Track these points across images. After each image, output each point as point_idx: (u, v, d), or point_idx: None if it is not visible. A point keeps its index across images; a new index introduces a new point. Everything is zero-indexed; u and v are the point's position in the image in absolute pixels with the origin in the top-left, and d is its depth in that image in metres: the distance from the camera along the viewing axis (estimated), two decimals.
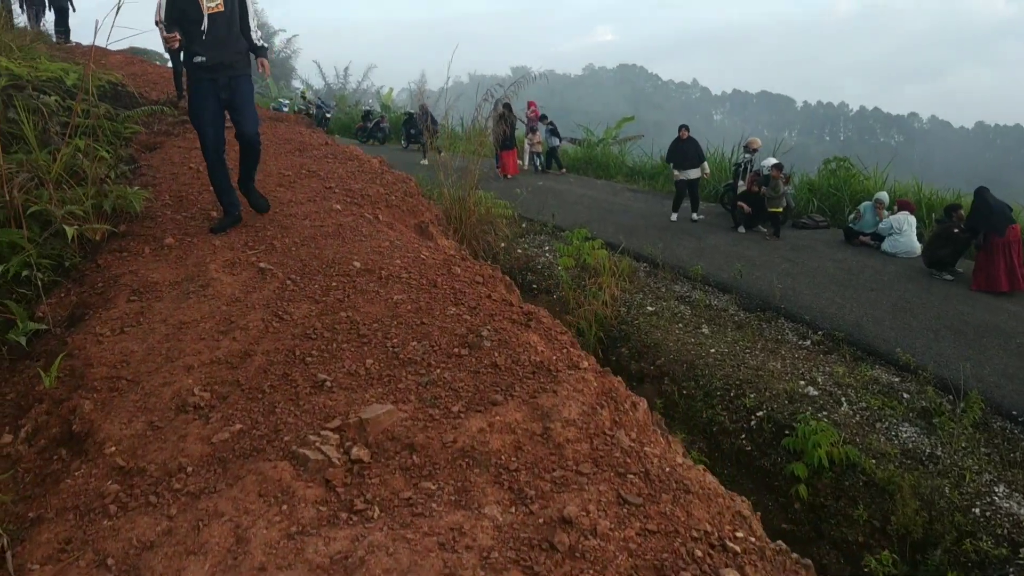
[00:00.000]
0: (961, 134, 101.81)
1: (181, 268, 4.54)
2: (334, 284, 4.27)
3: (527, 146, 16.40)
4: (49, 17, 15.22)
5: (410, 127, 19.97)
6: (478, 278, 4.69)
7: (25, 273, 4.29)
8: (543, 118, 16.49)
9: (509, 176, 15.45)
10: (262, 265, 4.50)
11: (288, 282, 4.29)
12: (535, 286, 9.64)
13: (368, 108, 23.24)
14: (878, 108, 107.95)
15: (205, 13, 4.73)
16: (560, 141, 17.13)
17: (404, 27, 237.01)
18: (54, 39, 14.47)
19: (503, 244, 10.66)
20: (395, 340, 3.67)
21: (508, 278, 5.39)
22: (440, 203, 10.51)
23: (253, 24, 5.09)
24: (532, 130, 16.28)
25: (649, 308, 8.72)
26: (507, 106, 16.04)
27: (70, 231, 4.44)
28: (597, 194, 14.19)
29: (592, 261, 9.47)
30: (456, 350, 3.59)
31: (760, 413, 6.58)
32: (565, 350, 3.71)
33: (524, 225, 11.66)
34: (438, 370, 3.38)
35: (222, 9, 4.82)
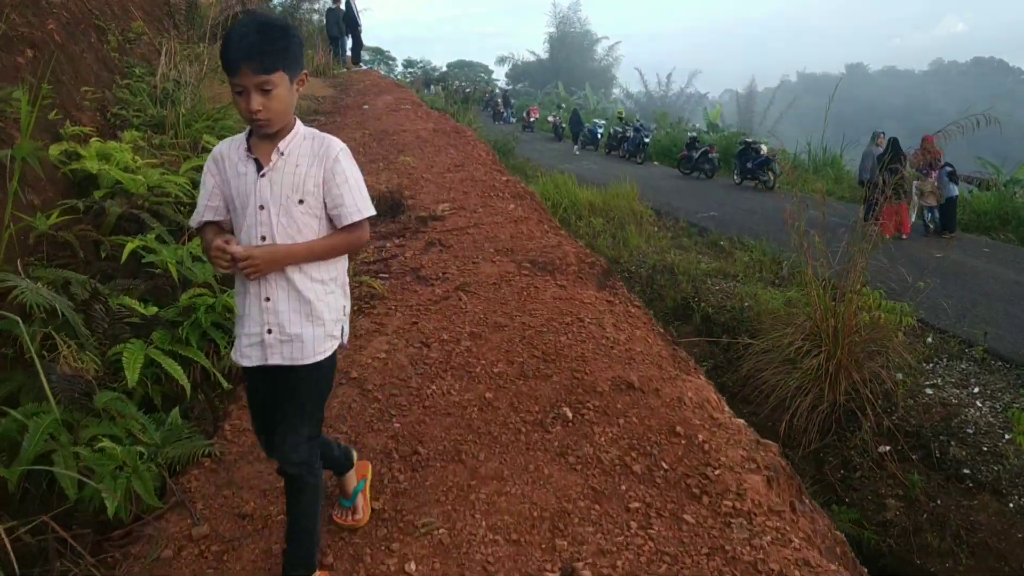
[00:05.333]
0: None
1: None
2: None
3: (915, 197, 12.09)
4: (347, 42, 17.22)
5: (746, 159, 16.68)
6: None
7: None
8: (931, 164, 12.13)
9: (889, 236, 11.52)
10: None
11: None
12: (967, 471, 6.04)
13: (694, 134, 20.37)
14: None
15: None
16: (957, 187, 12.53)
17: (730, 26, 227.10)
18: (349, 65, 16.09)
19: (900, 376, 7.15)
20: None
21: None
22: (808, 315, 7.29)
23: None
24: (925, 175, 11.96)
25: None
26: (893, 141, 12.10)
27: None
28: None
29: None
30: None
31: None
32: None
33: (929, 340, 7.91)
34: None
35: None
